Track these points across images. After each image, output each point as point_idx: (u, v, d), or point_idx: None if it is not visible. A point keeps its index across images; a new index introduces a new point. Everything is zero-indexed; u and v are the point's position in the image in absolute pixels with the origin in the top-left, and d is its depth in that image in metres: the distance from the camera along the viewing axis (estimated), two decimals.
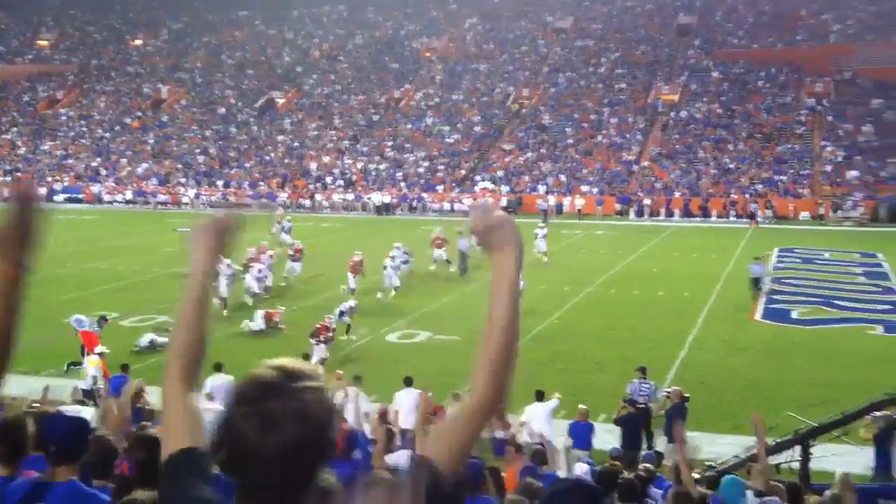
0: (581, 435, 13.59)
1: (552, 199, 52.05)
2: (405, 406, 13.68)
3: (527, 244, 28.77)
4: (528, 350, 20.49)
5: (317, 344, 18.62)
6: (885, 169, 51.54)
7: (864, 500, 10.14)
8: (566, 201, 52.57)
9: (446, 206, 53.09)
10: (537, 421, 13.51)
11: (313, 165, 61.94)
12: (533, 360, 19.67)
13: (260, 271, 26.06)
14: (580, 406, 14.39)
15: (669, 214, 51.13)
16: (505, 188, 55.41)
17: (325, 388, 1.85)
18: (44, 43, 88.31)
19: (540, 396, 14.08)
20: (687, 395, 14.58)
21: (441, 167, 59.66)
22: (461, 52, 76.77)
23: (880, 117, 56.70)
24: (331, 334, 19.32)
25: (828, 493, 8.99)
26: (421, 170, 59.84)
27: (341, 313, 21.09)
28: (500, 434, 11.84)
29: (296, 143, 65.87)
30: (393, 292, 26.45)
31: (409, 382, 14.50)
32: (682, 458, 7.85)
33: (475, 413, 2.08)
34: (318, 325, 19.26)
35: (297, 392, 1.79)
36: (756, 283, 26.89)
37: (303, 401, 1.78)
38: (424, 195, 55.16)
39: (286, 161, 63.45)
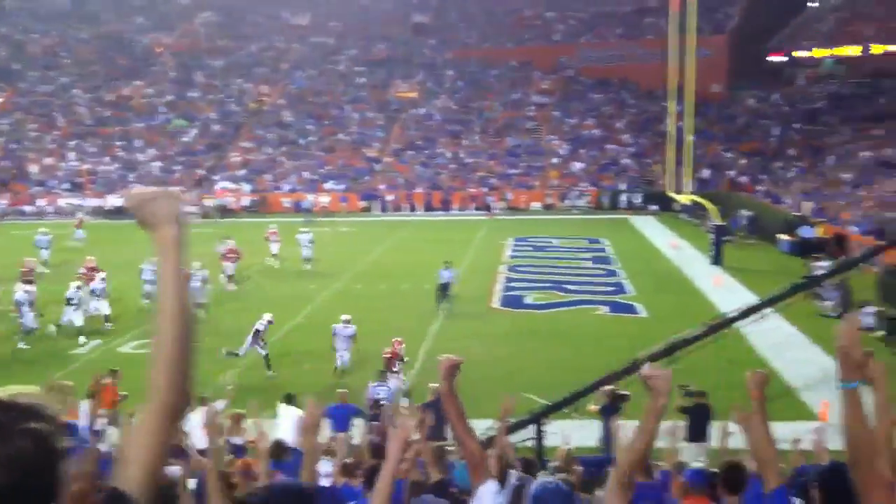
0: (341, 418, 13.36)
1: (311, 198, 51.38)
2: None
3: (290, 248, 27.94)
4: (274, 352, 20.09)
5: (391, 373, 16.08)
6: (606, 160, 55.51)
7: (593, 470, 10.62)
8: (310, 199, 52.33)
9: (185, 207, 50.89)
10: (287, 425, 12.95)
11: (34, 168, 57.32)
12: (280, 363, 19.35)
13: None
14: (339, 389, 14.31)
15: (413, 209, 52.16)
16: (247, 187, 54.11)
17: (52, 430, 1.60)
18: None
19: (290, 399, 13.56)
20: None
21: (178, 167, 57.24)
22: (195, 47, 74.00)
23: (600, 109, 61.04)
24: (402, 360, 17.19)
25: (551, 465, 9.30)
26: (155, 170, 57.01)
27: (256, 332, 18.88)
28: (237, 440, 11.29)
29: (13, 145, 60.58)
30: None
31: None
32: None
33: (162, 418, 1.84)
34: (388, 353, 16.88)
35: (14, 434, 1.55)
36: (445, 288, 25.09)
37: (18, 445, 1.54)
38: None
39: (3, 164, 58.17)
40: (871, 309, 22.83)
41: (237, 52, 72.54)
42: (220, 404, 11.97)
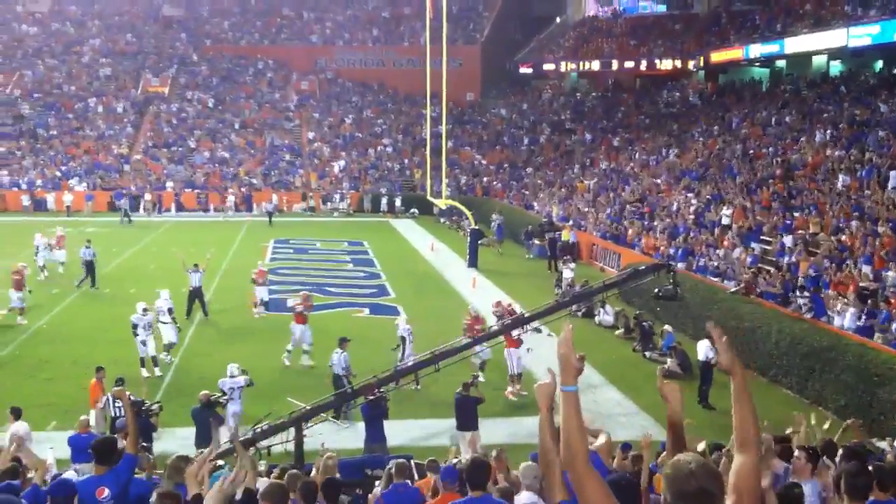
0: (82, 448, 12.26)
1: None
2: None
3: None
4: (11, 360, 18.70)
5: None
6: (368, 162, 55.95)
7: (352, 472, 10.65)
8: (50, 197, 48.87)
9: None
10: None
11: None
12: (18, 372, 18.09)
13: None
14: (82, 417, 12.69)
15: (166, 209, 49.94)
16: None
17: None
18: None
19: (18, 413, 12.21)
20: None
21: None
22: None
23: (360, 113, 61.46)
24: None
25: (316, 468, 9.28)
26: None
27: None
28: None
29: None
30: None
31: None
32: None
33: None
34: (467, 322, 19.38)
35: None
36: (197, 292, 24.16)
37: None
38: None
39: None
40: (611, 309, 24.55)
41: None
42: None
